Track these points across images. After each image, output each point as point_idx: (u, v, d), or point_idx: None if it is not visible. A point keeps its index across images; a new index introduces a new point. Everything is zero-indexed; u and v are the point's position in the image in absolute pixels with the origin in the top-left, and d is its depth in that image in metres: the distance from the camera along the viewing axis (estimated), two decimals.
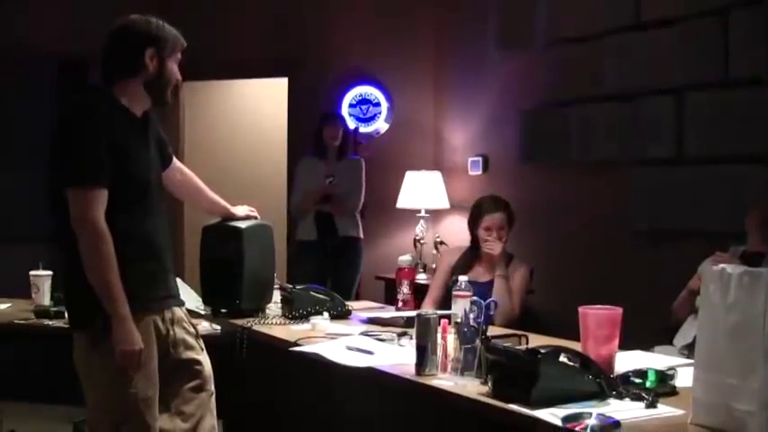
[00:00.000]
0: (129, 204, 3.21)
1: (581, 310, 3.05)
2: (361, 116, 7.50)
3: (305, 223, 6.88)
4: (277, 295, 4.48)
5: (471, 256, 5.03)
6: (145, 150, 3.32)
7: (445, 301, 4.76)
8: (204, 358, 3.48)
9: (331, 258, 6.79)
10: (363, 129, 7.44)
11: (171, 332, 3.33)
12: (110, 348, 3.09)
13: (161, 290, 3.33)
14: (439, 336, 3.13)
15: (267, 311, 4.37)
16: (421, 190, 7.15)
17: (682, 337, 4.54)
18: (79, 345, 3.22)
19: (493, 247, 4.88)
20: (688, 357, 3.52)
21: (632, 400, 2.65)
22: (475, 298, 3.13)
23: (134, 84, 3.29)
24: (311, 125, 7.00)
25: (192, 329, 3.46)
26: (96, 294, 3.09)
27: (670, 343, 4.55)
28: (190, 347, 3.42)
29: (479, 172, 7.15)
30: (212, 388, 3.49)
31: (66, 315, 3.39)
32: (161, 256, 3.34)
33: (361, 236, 6.96)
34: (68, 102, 3.42)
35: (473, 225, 5.00)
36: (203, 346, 3.50)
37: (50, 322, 4.50)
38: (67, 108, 3.28)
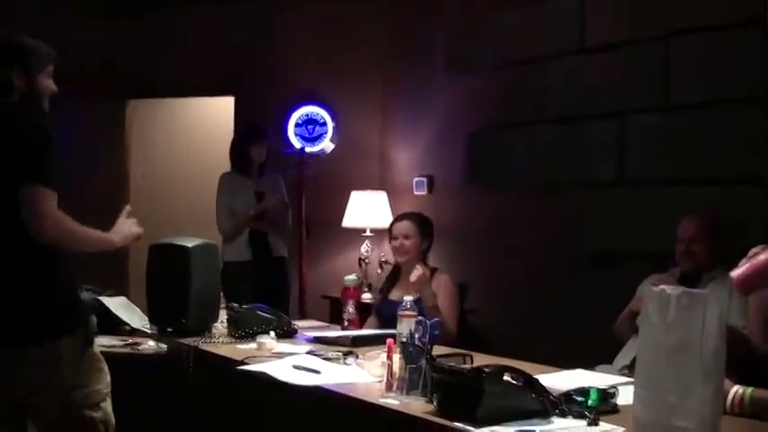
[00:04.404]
0: None
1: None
2: (307, 136, 7.50)
3: (237, 243, 6.57)
4: (223, 314, 4.48)
5: (394, 274, 5.13)
6: None
7: (381, 314, 4.96)
8: None
9: (264, 280, 6.44)
10: (309, 148, 7.43)
11: None
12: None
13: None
14: (384, 355, 3.16)
15: (213, 330, 4.38)
16: (366, 209, 7.16)
17: (622, 358, 4.58)
18: (64, 352, 3.22)
19: (399, 252, 5.07)
20: (628, 377, 3.57)
21: (575, 418, 2.70)
22: (420, 318, 3.16)
23: (13, 100, 3.30)
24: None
25: None
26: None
27: (611, 362, 4.60)
28: None
29: (424, 192, 7.18)
30: None
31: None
32: None
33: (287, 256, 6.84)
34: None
35: (389, 241, 5.22)
36: None
37: None
38: (22, 117, 3.24)
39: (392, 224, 5.22)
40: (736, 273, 2.66)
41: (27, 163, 3.12)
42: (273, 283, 6.49)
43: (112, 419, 3.36)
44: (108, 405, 3.35)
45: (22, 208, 3.09)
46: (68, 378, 3.23)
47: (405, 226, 5.07)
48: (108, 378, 3.37)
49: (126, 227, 3.54)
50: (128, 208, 3.64)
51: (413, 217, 5.16)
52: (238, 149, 6.72)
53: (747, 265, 2.65)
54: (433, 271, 4.98)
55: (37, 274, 3.20)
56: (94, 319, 3.43)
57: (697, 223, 4.61)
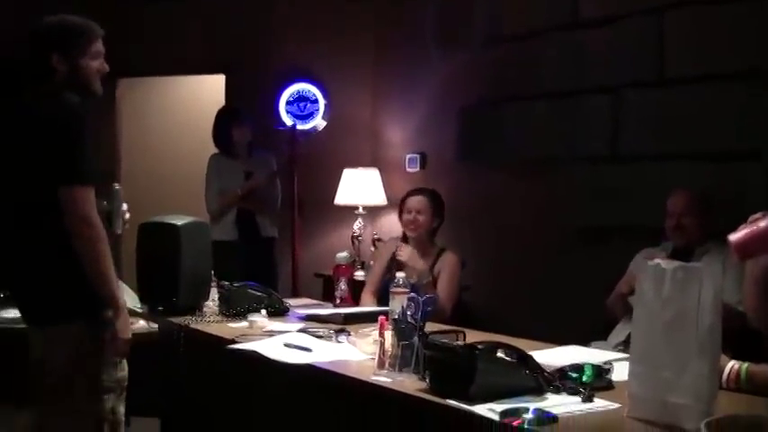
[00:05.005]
0: None
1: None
2: (298, 113, 7.45)
3: (224, 223, 6.52)
4: (214, 293, 4.45)
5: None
6: None
7: (383, 292, 4.83)
8: None
9: (251, 260, 6.35)
10: (301, 126, 7.39)
11: None
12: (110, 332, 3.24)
13: None
14: (376, 333, 3.13)
15: (204, 309, 4.34)
16: (359, 187, 7.14)
17: (616, 335, 4.57)
18: (71, 336, 3.21)
19: (411, 226, 4.96)
20: (623, 353, 3.55)
21: (569, 394, 2.67)
22: (413, 294, 3.13)
23: (58, 84, 3.23)
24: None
25: None
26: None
27: (606, 339, 4.58)
28: None
29: (417, 169, 7.16)
30: None
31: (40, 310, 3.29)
32: None
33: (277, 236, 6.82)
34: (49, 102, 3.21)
35: (400, 214, 5.09)
36: None
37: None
38: (54, 108, 3.16)
39: (405, 197, 5.15)
40: (734, 236, 2.62)
41: (62, 161, 3.09)
42: (260, 264, 6.42)
43: (110, 415, 3.31)
44: (111, 400, 3.30)
45: (63, 208, 3.08)
46: (74, 359, 3.20)
47: (419, 200, 5.03)
48: (120, 375, 3.33)
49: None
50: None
51: (428, 193, 5.11)
52: (219, 133, 6.71)
53: (747, 229, 2.62)
54: (441, 251, 4.96)
55: (62, 260, 3.17)
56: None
57: (686, 197, 4.59)
